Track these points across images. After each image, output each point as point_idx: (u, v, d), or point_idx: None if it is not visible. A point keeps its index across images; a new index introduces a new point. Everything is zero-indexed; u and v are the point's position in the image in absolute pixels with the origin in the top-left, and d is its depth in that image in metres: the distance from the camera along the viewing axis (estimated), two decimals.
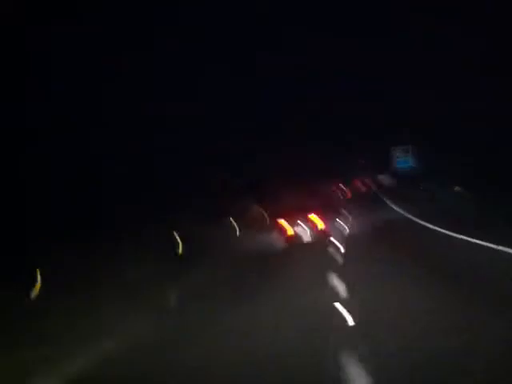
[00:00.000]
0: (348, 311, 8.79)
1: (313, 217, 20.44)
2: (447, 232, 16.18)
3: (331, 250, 18.15)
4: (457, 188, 18.81)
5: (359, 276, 12.30)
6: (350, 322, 8.15)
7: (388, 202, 45.99)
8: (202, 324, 9.03)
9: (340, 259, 14.64)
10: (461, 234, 14.24)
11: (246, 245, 22.22)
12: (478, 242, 12.07)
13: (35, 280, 14.98)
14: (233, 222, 27.63)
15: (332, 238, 20.62)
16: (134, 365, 7.46)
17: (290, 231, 20.44)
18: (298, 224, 20.34)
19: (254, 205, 29.63)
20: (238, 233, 26.16)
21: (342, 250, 15.50)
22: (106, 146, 27.62)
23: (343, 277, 12.28)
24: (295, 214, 20.70)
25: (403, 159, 56.13)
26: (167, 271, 16.45)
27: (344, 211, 33.51)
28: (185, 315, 10.49)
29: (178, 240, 22.16)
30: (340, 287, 11.36)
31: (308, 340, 7.42)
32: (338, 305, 9.22)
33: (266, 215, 24.84)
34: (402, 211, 31.33)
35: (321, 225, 20.24)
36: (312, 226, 20.35)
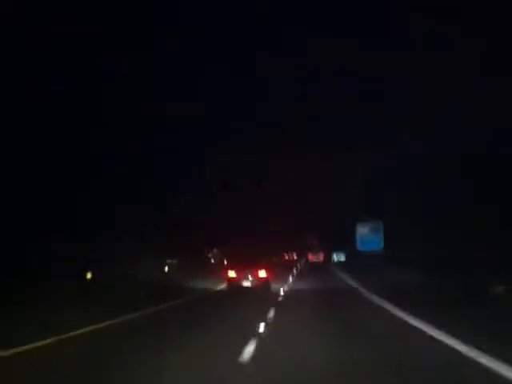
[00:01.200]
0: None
1: (260, 270, 22.55)
2: None
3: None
4: (501, 288, 14.58)
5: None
6: None
7: None
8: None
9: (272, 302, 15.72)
10: None
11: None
12: None
13: None
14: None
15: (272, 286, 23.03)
16: None
17: (232, 274, 22.39)
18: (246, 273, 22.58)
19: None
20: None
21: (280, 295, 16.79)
22: (106, 146, 27.66)
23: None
24: (248, 268, 22.98)
25: (370, 238, 42.36)
26: None
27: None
28: None
29: None
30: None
31: None
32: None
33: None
34: None
35: (262, 273, 22.15)
36: (255, 274, 22.22)
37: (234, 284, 22.19)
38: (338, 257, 62.26)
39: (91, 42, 24.64)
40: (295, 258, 72.12)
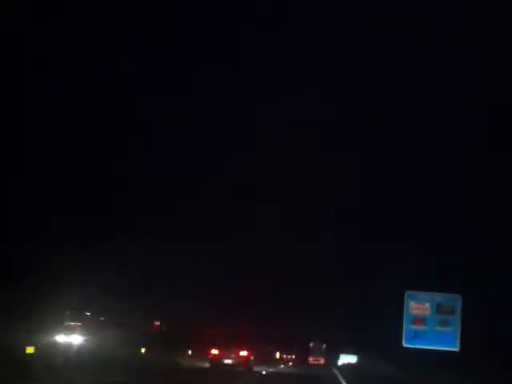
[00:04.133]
0: None
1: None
2: None
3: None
4: None
5: None
6: None
7: None
8: None
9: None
10: None
11: None
12: None
13: None
14: None
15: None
16: None
17: (215, 351, 24.02)
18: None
19: None
20: None
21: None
22: (105, 146, 27.71)
23: None
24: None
25: (432, 326, 22.06)
26: None
27: None
28: None
29: None
30: None
31: None
32: None
33: None
34: None
35: (243, 352, 23.67)
36: (236, 352, 23.61)
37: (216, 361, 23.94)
38: (348, 358, 55.77)
39: (91, 42, 24.66)
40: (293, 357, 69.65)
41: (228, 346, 24.21)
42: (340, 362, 58.23)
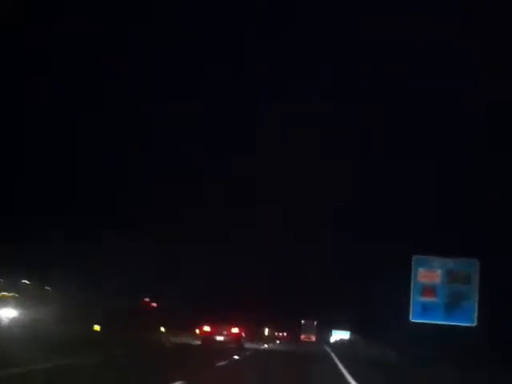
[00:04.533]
0: None
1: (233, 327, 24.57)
2: None
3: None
4: None
5: None
6: None
7: None
8: None
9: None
10: None
11: None
12: None
13: None
14: None
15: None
16: None
17: (207, 328, 24.08)
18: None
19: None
20: None
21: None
22: (105, 146, 27.73)
23: None
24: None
25: (443, 298, 18.59)
26: None
27: None
28: None
29: None
30: None
31: None
32: None
33: None
34: None
35: (235, 329, 23.62)
36: (228, 329, 23.82)
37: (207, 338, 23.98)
38: (341, 334, 53.82)
39: (91, 42, 24.67)
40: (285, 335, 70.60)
41: (220, 323, 24.40)
42: (332, 339, 56.58)
